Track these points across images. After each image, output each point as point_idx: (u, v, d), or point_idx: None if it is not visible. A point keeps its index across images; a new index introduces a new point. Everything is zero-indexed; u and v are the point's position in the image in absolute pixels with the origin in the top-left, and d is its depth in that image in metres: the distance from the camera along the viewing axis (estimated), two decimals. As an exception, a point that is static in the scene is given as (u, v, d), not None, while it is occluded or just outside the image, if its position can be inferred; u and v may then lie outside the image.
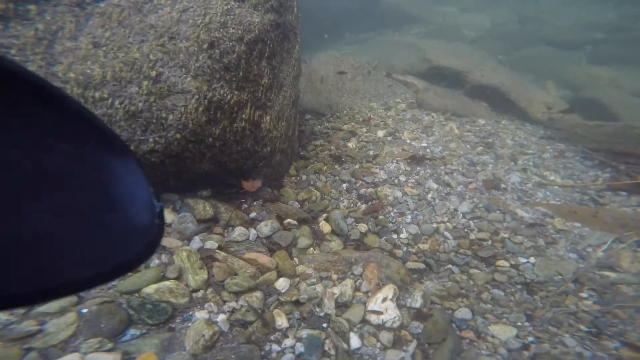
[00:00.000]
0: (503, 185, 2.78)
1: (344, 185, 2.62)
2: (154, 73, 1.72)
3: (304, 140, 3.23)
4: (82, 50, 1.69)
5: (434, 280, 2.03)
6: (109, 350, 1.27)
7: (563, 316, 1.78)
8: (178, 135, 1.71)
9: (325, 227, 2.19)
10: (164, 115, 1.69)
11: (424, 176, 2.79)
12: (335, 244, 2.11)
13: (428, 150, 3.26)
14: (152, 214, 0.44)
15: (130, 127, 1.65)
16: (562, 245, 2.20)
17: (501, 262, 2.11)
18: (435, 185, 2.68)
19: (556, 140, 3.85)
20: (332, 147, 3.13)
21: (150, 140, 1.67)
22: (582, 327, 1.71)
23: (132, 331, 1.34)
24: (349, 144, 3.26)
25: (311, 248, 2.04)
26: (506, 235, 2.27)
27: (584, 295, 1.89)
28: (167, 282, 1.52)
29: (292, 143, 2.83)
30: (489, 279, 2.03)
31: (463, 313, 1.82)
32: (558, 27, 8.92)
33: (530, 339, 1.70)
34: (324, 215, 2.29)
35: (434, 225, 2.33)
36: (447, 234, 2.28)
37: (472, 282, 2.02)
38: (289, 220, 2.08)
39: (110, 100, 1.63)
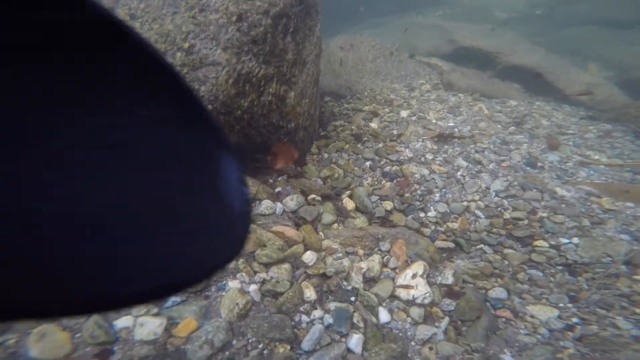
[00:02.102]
0: (540, 164, 2.58)
1: (368, 163, 2.54)
2: (186, 45, 1.72)
3: (324, 121, 3.16)
4: (120, 22, 1.71)
5: (465, 259, 1.92)
6: (155, 315, 1.32)
7: (613, 298, 1.63)
8: (209, 107, 1.71)
9: (349, 204, 2.13)
10: (196, 86, 1.70)
11: (452, 154, 2.64)
12: (360, 220, 2.05)
13: (456, 129, 3.09)
14: (244, 200, 0.41)
15: None
16: (611, 226, 2.01)
17: (539, 242, 1.96)
18: (464, 163, 2.53)
19: (601, 120, 3.53)
20: (353, 127, 3.04)
21: None
22: (638, 310, 1.55)
23: (173, 298, 1.38)
24: (371, 124, 3.16)
25: (335, 224, 1.99)
26: (545, 215, 2.11)
27: (639, 277, 1.71)
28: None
29: (314, 122, 2.78)
30: (525, 260, 1.90)
31: (498, 292, 1.71)
32: (604, 4, 8.14)
33: (575, 320, 1.56)
34: (348, 192, 2.23)
35: (464, 203, 2.20)
36: (478, 212, 2.15)
37: (506, 262, 1.90)
38: (313, 195, 2.04)
39: None
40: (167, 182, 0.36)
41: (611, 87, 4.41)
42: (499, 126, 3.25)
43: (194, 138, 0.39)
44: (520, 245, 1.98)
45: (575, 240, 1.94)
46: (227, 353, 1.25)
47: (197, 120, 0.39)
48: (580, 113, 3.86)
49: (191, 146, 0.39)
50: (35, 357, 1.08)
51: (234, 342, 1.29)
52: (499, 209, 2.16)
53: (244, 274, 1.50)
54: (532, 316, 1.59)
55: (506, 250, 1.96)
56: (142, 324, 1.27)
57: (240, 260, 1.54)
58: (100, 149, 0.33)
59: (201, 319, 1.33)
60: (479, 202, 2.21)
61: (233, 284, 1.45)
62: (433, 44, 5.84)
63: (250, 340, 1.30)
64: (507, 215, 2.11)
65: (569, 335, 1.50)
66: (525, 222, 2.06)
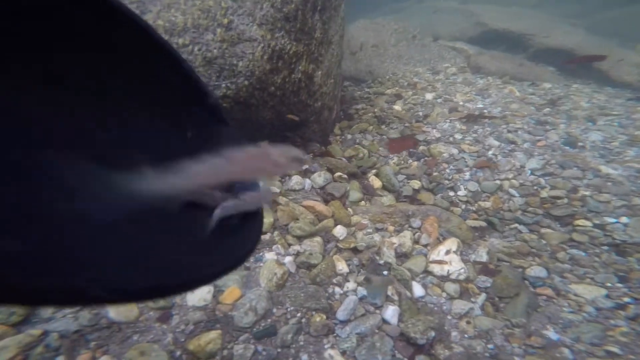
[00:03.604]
0: (580, 144, 2.43)
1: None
2: (225, 21, 1.75)
3: (345, 105, 3.13)
4: (167, -2, 1.76)
5: (499, 238, 1.85)
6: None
7: (669, 278, 1.51)
8: (246, 82, 1.74)
9: (376, 183, 2.10)
10: (234, 62, 1.73)
11: (482, 134, 2.54)
12: (387, 199, 2.02)
13: (485, 111, 2.97)
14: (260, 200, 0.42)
15: (207, 72, 1.71)
16: (664, 204, 1.86)
17: (581, 222, 1.85)
18: (496, 143, 2.42)
19: (651, 101, 3.27)
20: (375, 110, 2.99)
21: (223, 86, 1.72)
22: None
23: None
24: (395, 107, 3.09)
25: (362, 202, 1.97)
26: (587, 193, 1.98)
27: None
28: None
29: (337, 103, 2.76)
30: (565, 239, 1.80)
31: (536, 271, 1.63)
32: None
33: (627, 299, 1.46)
34: (374, 171, 2.20)
35: (497, 182, 2.11)
36: (512, 191, 2.06)
37: (544, 242, 1.80)
38: (339, 173, 2.03)
39: (190, 47, 1.70)
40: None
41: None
42: (532, 108, 3.09)
43: (215, 141, 0.40)
44: (559, 225, 1.88)
45: (624, 219, 1.82)
46: (269, 320, 1.27)
47: (219, 123, 0.42)
48: (626, 95, 3.59)
49: (212, 148, 0.39)
50: (113, 318, 1.17)
51: (275, 310, 1.31)
52: (535, 187, 2.06)
53: (279, 245, 1.52)
54: (576, 295, 1.51)
55: (543, 230, 1.86)
56: (192, 291, 1.32)
57: (276, 233, 1.56)
58: (111, 149, 0.34)
59: (243, 288, 1.36)
60: (513, 181, 2.11)
61: (270, 256, 1.47)
62: (458, 28, 5.61)
63: (288, 309, 1.32)
64: (544, 194, 2.00)
65: (621, 314, 1.41)
66: (565, 200, 1.95)
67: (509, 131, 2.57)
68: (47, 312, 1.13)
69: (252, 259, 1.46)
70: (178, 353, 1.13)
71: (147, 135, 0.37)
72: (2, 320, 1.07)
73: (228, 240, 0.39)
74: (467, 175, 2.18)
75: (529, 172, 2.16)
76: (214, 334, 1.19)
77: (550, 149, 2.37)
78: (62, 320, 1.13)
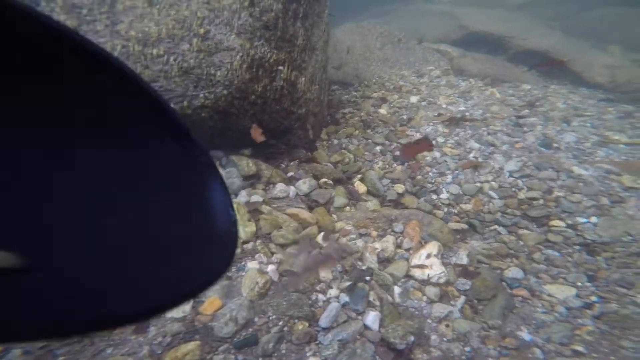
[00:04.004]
0: (555, 145, 2.52)
1: (378, 147, 2.52)
2: (202, 31, 1.73)
3: (332, 109, 3.15)
4: (139, 8, 1.73)
5: (479, 240, 1.90)
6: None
7: (635, 277, 1.59)
8: (225, 92, 1.73)
9: (361, 188, 2.13)
10: (212, 71, 1.71)
11: (464, 137, 2.60)
12: (372, 203, 2.05)
13: (467, 113, 3.04)
14: (231, 221, 0.41)
15: (183, 83, 1.69)
16: (632, 204, 1.95)
17: (555, 222, 1.93)
18: (477, 145, 2.49)
19: (622, 102, 3.42)
20: (362, 114, 3.02)
21: (201, 96, 1.70)
22: (660, 287, 1.52)
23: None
24: (381, 110, 3.12)
25: (347, 207, 1.99)
26: (561, 194, 2.06)
27: (661, 254, 1.67)
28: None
29: (323, 108, 2.77)
30: (541, 240, 1.87)
31: (514, 272, 1.69)
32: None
33: (594, 298, 1.54)
34: (359, 176, 2.22)
35: (478, 184, 2.17)
36: (492, 193, 2.12)
37: (521, 243, 1.87)
38: (324, 179, 2.05)
39: (165, 57, 1.68)
40: (150, 209, 0.37)
41: (634, 69, 4.25)
42: (511, 109, 3.18)
43: (178, 163, 0.39)
44: (535, 226, 1.95)
45: (594, 219, 1.90)
46: (250, 330, 1.28)
47: (182, 143, 0.39)
48: (598, 95, 3.74)
49: (175, 171, 0.39)
50: None
51: (256, 319, 1.31)
52: (514, 189, 2.13)
53: (262, 254, 1.52)
54: (549, 295, 1.57)
55: (521, 231, 1.93)
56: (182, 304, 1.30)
57: (258, 242, 1.57)
58: (85, 176, 0.33)
59: (224, 298, 1.36)
60: (493, 183, 2.17)
61: (252, 265, 1.48)
62: (442, 31, 5.71)
63: (270, 318, 1.33)
64: (521, 196, 2.08)
65: (588, 313, 1.48)
66: (541, 201, 2.03)
67: (488, 133, 2.64)
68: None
69: (233, 269, 1.46)
70: None
71: (101, 165, 0.35)
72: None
73: (201, 256, 0.38)
74: (449, 178, 2.23)
75: (507, 174, 2.23)
76: (192, 345, 1.19)
77: (527, 151, 2.45)
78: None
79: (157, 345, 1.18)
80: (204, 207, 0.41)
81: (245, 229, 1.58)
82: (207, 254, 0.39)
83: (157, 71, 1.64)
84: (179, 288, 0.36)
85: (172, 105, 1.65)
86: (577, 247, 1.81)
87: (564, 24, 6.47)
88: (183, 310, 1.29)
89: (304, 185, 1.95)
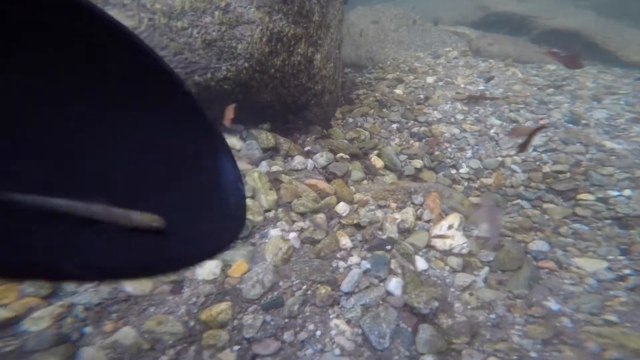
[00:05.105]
0: (584, 121, 2.41)
1: (394, 125, 2.48)
2: (223, 3, 1.74)
3: (345, 90, 3.11)
4: (163, -19, 1.74)
5: (501, 214, 1.85)
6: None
7: (671, 248, 1.52)
8: (246, 64, 1.74)
9: (378, 163, 2.11)
10: (234, 44, 1.72)
11: (484, 114, 2.52)
12: (389, 178, 2.02)
13: (487, 92, 2.94)
14: (241, 196, 0.44)
15: (207, 55, 1.70)
16: (669, 176, 1.85)
17: (584, 196, 1.85)
18: (498, 122, 2.41)
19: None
20: (377, 94, 2.97)
21: (223, 68, 1.72)
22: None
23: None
24: (396, 90, 3.06)
25: (365, 181, 1.98)
26: (590, 167, 1.97)
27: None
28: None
29: (337, 88, 2.75)
30: (568, 213, 1.80)
31: (539, 245, 1.64)
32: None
33: (627, 271, 1.47)
34: (375, 151, 2.20)
35: (499, 159, 2.11)
36: (514, 167, 2.05)
37: (547, 217, 1.81)
38: (341, 154, 2.04)
39: (189, 30, 1.69)
40: (165, 181, 0.39)
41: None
42: (535, 88, 3.05)
43: (190, 138, 0.42)
44: (562, 199, 1.88)
45: (627, 192, 1.81)
46: (275, 293, 1.30)
47: (192, 119, 0.42)
48: (634, 75, 3.54)
49: (188, 145, 0.41)
50: (130, 292, 1.22)
51: (281, 283, 1.33)
52: (538, 163, 2.05)
53: (283, 222, 1.54)
54: (578, 267, 1.52)
55: (546, 205, 1.86)
56: (202, 265, 1.34)
57: (280, 210, 1.58)
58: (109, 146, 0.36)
59: (250, 262, 1.38)
60: (515, 157, 2.10)
61: (274, 232, 1.49)
62: (460, 12, 5.52)
63: (294, 282, 1.34)
64: (547, 169, 2.00)
65: (621, 285, 1.42)
66: (568, 175, 1.95)
67: (510, 110, 2.55)
68: (70, 286, 1.17)
69: (257, 236, 1.48)
70: (192, 323, 1.16)
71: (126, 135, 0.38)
72: (33, 293, 1.13)
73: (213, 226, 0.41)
74: (469, 153, 2.18)
75: (531, 148, 2.15)
76: (224, 305, 1.22)
77: (552, 127, 2.35)
78: (85, 294, 1.17)
79: (193, 305, 1.22)
80: (216, 181, 0.43)
81: (267, 198, 1.59)
82: (218, 223, 0.41)
83: (182, 44, 1.67)
84: (203, 247, 0.38)
85: (196, 77, 1.67)
86: (608, 221, 1.74)
87: (594, 2, 6.11)
88: (213, 272, 1.32)
89: (322, 158, 1.94)
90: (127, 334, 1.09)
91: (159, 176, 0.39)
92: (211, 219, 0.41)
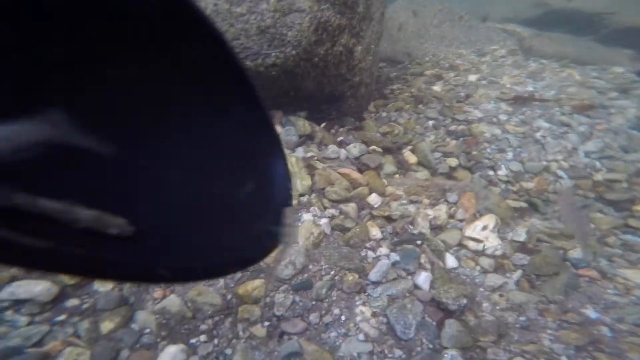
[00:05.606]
0: (649, 128, 2.19)
1: (431, 122, 2.45)
2: None
3: (379, 85, 3.10)
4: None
5: (540, 219, 1.77)
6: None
7: None
8: (294, 52, 1.81)
9: (411, 158, 2.11)
10: (284, 31, 1.80)
11: (531, 116, 2.39)
12: (422, 174, 2.02)
13: (536, 93, 2.77)
14: (289, 192, 0.44)
15: (259, 41, 1.80)
16: None
17: (641, 208, 1.71)
18: (546, 125, 2.28)
19: None
20: (413, 90, 2.93)
21: (273, 54, 1.81)
22: None
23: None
24: (434, 87, 3.00)
25: (397, 175, 2.00)
26: (651, 179, 1.81)
27: None
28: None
29: (373, 81, 2.76)
30: (618, 224, 1.68)
31: (580, 253, 1.56)
32: None
33: (685, 288, 1.36)
34: (409, 147, 2.19)
35: (544, 163, 2.00)
36: (561, 172, 1.94)
37: (592, 226, 1.70)
38: (373, 147, 2.07)
39: (247, 16, 1.80)
40: (227, 179, 0.39)
41: None
42: (593, 91, 2.81)
43: (252, 137, 0.42)
44: (613, 209, 1.75)
45: (694, 206, 1.65)
46: (305, 275, 1.38)
47: (255, 118, 0.41)
48: None
49: (249, 145, 0.41)
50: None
51: (310, 266, 1.41)
52: (588, 169, 1.92)
53: (316, 207, 1.62)
54: (625, 278, 1.43)
55: (593, 214, 1.75)
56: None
57: (313, 195, 1.66)
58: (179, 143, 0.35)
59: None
60: (563, 162, 1.99)
61: (307, 216, 1.58)
62: (512, 8, 5.18)
63: (323, 267, 1.41)
64: (598, 177, 1.87)
65: (677, 302, 1.32)
66: (624, 185, 1.80)
67: (562, 114, 2.39)
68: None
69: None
70: (229, 297, 1.28)
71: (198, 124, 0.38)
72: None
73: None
74: (510, 155, 2.09)
75: (583, 154, 2.02)
76: (258, 282, 1.32)
77: (612, 133, 2.17)
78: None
79: (230, 280, 1.35)
80: (267, 179, 0.43)
81: (302, 182, 1.69)
82: (264, 224, 0.41)
83: (239, 29, 1.77)
84: (241, 253, 0.37)
85: (249, 62, 1.77)
86: (666, 236, 1.60)
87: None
88: (249, 251, 1.45)
89: (355, 148, 1.99)
90: (173, 302, 1.23)
91: (222, 177, 0.39)
92: (259, 219, 0.41)
